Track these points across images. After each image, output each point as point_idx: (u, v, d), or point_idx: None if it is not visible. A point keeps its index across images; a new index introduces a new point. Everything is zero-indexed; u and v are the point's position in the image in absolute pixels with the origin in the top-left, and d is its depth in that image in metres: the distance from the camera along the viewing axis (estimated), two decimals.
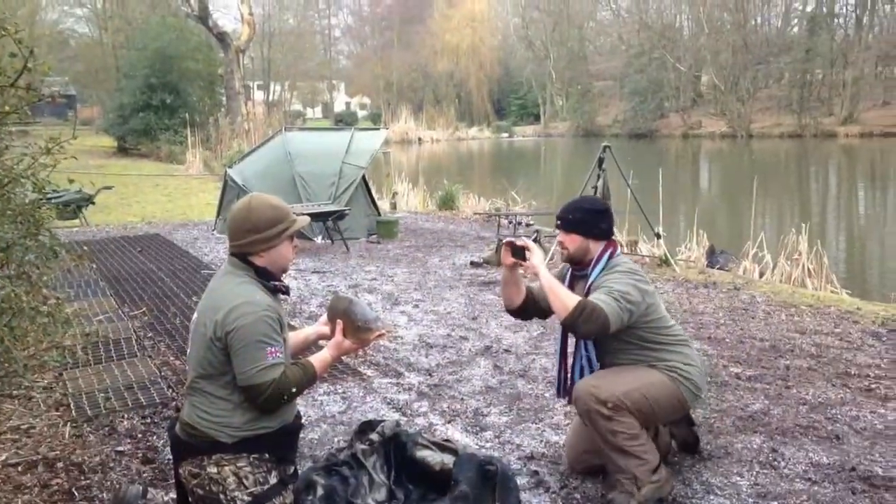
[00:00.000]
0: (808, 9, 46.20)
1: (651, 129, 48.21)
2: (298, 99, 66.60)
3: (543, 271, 3.06)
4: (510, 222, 11.07)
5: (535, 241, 9.14)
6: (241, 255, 2.64)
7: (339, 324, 2.74)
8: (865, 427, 3.88)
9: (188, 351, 2.66)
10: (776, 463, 3.49)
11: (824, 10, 43.80)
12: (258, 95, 54.98)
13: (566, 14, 58.13)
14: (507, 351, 5.38)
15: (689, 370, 3.15)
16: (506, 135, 57.14)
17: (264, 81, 59.17)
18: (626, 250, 9.51)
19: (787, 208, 19.06)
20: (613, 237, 3.24)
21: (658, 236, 8.77)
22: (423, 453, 3.19)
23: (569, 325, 2.95)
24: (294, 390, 2.58)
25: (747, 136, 41.66)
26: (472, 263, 8.70)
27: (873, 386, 4.49)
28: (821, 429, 3.87)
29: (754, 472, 3.39)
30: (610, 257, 3.16)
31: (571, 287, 3.21)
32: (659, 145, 42.95)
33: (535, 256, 3.11)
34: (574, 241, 3.19)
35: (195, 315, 2.64)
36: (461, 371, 4.96)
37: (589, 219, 3.18)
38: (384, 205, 14.53)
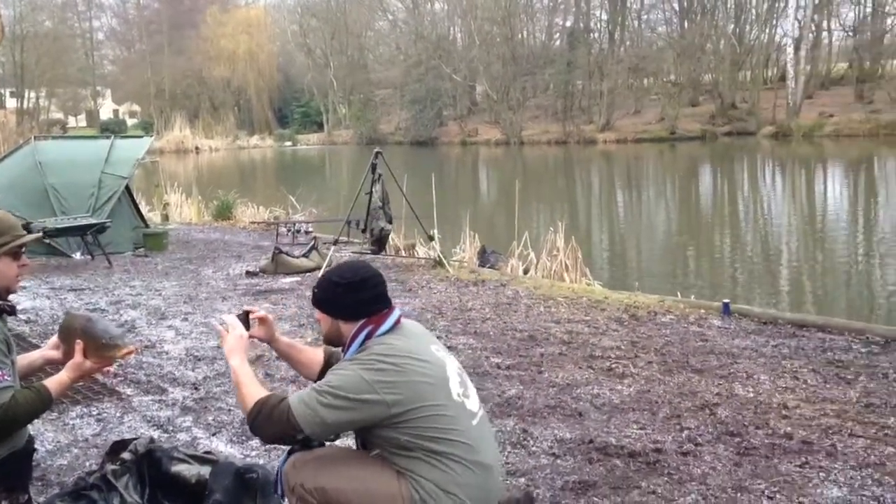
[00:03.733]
0: (568, 24, 49.91)
1: (432, 137, 49.72)
2: (59, 107, 61.57)
3: (233, 360, 2.48)
4: (289, 230, 10.96)
5: (312, 248, 9.26)
6: None
7: (79, 344, 2.58)
8: (604, 403, 4.28)
9: None
10: (526, 442, 3.76)
11: (581, 25, 47.51)
12: (10, 103, 50.10)
13: (344, 23, 58.48)
14: (279, 358, 5.33)
15: (441, 497, 2.31)
16: (289, 143, 56.41)
17: (17, 88, 54.08)
18: (403, 253, 9.77)
19: (553, 208, 20.46)
20: (378, 313, 2.46)
21: (431, 238, 9.08)
22: (178, 468, 3.10)
23: (250, 429, 2.38)
24: (26, 415, 2.42)
25: (519, 143, 44.18)
26: (248, 273, 8.52)
27: (614, 366, 4.95)
28: (566, 408, 4.21)
29: (506, 452, 3.63)
30: (367, 337, 2.42)
31: None
32: (440, 152, 44.41)
33: (228, 340, 2.56)
34: (324, 321, 2.53)
35: None
36: (230, 382, 4.85)
37: (332, 296, 2.48)
38: (155, 216, 13.82)
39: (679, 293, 7.67)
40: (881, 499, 3.05)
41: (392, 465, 2.34)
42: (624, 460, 3.51)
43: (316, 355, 2.73)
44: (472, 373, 4.85)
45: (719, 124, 40.40)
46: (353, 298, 2.45)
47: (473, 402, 2.46)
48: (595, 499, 3.16)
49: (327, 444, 2.54)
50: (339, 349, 2.55)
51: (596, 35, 48.20)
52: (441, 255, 8.90)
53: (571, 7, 48.87)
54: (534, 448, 3.69)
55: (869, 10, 40.32)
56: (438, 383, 2.36)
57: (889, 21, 37.87)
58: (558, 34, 51.67)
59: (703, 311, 6.46)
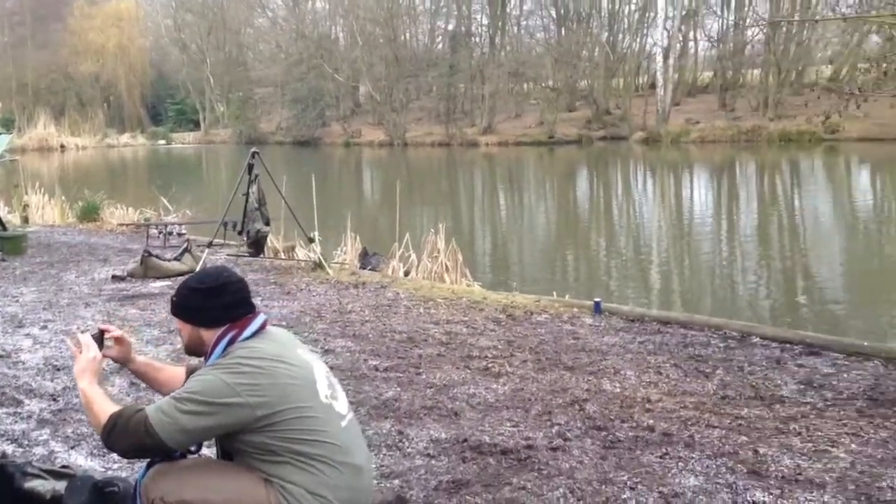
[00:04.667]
0: (450, 27, 50.43)
1: (315, 137, 49.08)
2: None
3: (82, 382, 2.37)
4: (160, 233, 10.56)
5: (185, 251, 8.94)
6: None
7: None
8: (480, 402, 4.35)
9: None
10: (401, 444, 3.76)
11: (463, 29, 48.12)
12: None
13: (221, 18, 56.82)
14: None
15: (310, 500, 2.27)
16: (163, 142, 54.32)
17: None
18: (283, 256, 9.60)
19: (436, 210, 20.62)
20: (241, 318, 2.40)
21: (311, 241, 8.96)
22: (32, 483, 2.94)
23: (105, 444, 2.29)
24: None
25: (403, 145, 44.28)
26: (115, 277, 8.14)
27: (490, 365, 5.04)
28: (443, 408, 4.25)
29: (381, 455, 3.62)
30: (230, 343, 2.35)
31: None
32: (322, 153, 43.92)
33: (80, 360, 2.43)
34: (185, 329, 2.45)
35: None
36: None
37: (191, 303, 2.41)
38: (15, 218, 13.01)
39: (555, 293, 7.90)
40: (734, 486, 3.24)
41: (258, 472, 2.29)
42: (497, 458, 3.57)
43: (177, 373, 2.63)
44: (350, 376, 4.83)
45: (595, 129, 41.83)
46: (214, 304, 2.38)
47: (342, 405, 2.45)
48: (468, 497, 3.20)
49: (189, 455, 2.45)
50: (202, 360, 2.47)
51: (477, 39, 48.95)
52: (321, 258, 8.80)
53: (453, 11, 49.40)
54: (409, 449, 3.70)
55: (731, 22, 42.74)
56: (305, 385, 2.34)
57: (749, 33, 40.30)
58: (440, 37, 52.14)
59: (576, 309, 6.66)
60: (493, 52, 46.88)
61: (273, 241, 9.62)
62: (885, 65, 7.72)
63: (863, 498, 3.10)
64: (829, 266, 12.49)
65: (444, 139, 43.83)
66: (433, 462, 3.55)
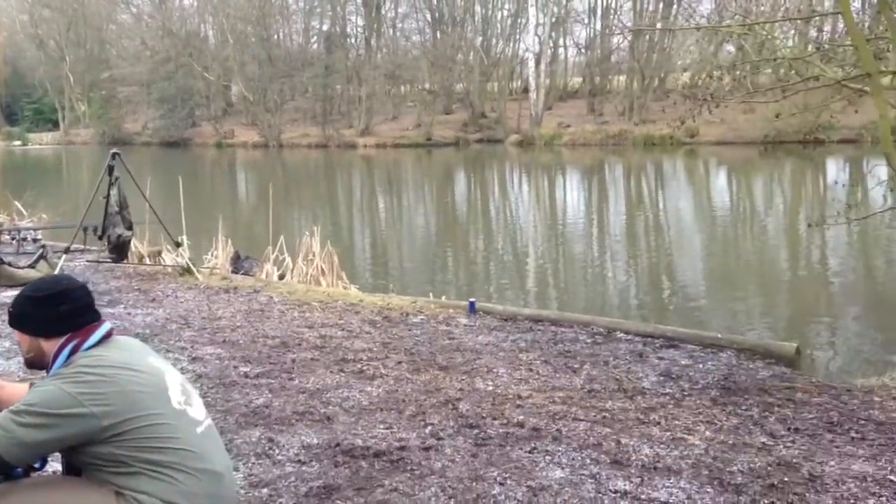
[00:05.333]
0: (325, 28, 49.93)
1: (184, 138, 47.46)
2: None
3: None
4: (13, 238, 9.91)
5: (41, 257, 8.42)
6: None
7: None
8: (353, 405, 4.31)
9: None
10: (271, 451, 3.68)
11: (338, 29, 47.75)
12: None
13: (81, 14, 54.04)
14: None
15: None
16: (18, 143, 51.18)
17: None
18: (148, 261, 9.20)
19: (315, 213, 20.35)
20: (84, 326, 2.28)
21: (178, 245, 8.64)
22: None
23: None
24: None
25: (279, 146, 43.48)
26: None
27: (365, 368, 5.01)
28: (315, 413, 4.19)
29: (250, 463, 3.53)
30: (73, 352, 2.23)
31: None
32: (193, 154, 42.51)
33: None
34: (24, 341, 2.31)
35: None
36: None
37: (29, 312, 2.28)
38: None
39: (431, 294, 7.95)
40: (597, 476, 3.35)
41: (109, 485, 2.17)
42: (369, 461, 3.55)
43: (19, 389, 2.46)
44: (219, 384, 4.69)
45: (471, 132, 42.51)
46: (53, 313, 2.26)
47: (197, 411, 2.37)
48: (339, 502, 3.17)
49: (33, 473, 2.30)
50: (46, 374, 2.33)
51: (353, 40, 48.73)
52: (190, 262, 8.50)
53: (328, 11, 48.92)
54: (279, 457, 3.62)
55: (598, 30, 44.42)
56: (155, 392, 2.24)
57: (614, 41, 42.08)
58: (315, 37, 51.54)
59: (451, 310, 6.73)
60: (369, 53, 46.79)
61: (137, 246, 9.21)
62: (737, 72, 8.22)
63: (715, 482, 3.28)
64: (691, 263, 13.18)
65: (321, 140, 43.38)
66: (304, 468, 3.49)
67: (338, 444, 3.73)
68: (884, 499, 3.09)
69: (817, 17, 11.64)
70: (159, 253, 9.43)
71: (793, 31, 9.83)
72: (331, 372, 4.94)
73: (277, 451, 3.68)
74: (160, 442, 2.19)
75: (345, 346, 5.57)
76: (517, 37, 46.16)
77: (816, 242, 13.86)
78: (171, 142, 46.73)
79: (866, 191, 13.25)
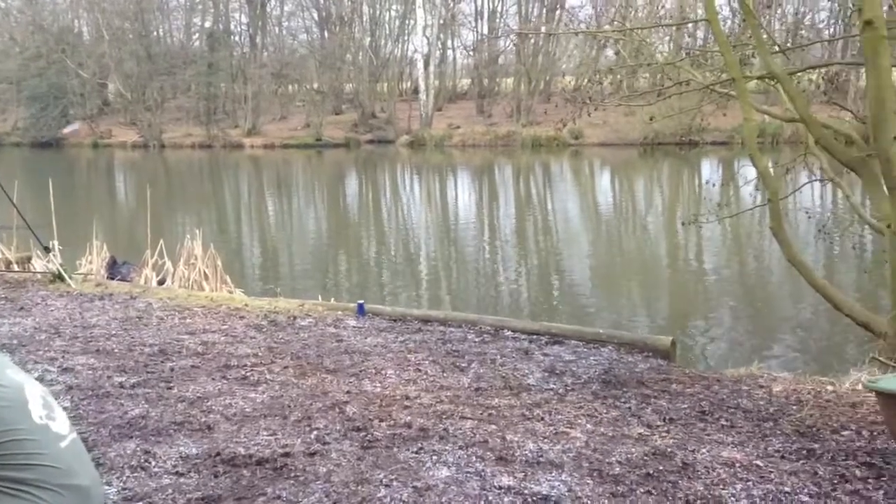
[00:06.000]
0: (207, 24, 48.48)
1: (57, 138, 45.07)
2: None
3: None
4: None
5: None
6: None
7: None
8: (236, 413, 4.19)
9: None
10: (147, 464, 3.52)
11: (221, 27, 46.48)
12: None
13: None
14: None
15: None
16: None
17: None
18: (16, 268, 8.69)
19: (200, 215, 19.74)
20: None
21: (48, 250, 8.19)
22: None
23: None
24: None
25: (160, 146, 41.93)
26: None
27: (249, 374, 4.88)
28: (195, 422, 4.04)
29: (124, 477, 3.37)
30: None
31: None
32: (67, 155, 40.45)
33: None
34: None
35: None
36: None
37: None
38: None
39: (320, 297, 7.85)
40: (482, 473, 3.38)
41: None
42: (251, 469, 3.46)
43: None
44: (92, 395, 4.46)
45: (362, 132, 42.27)
46: None
47: (61, 425, 2.23)
48: None
49: None
50: None
51: (237, 38, 47.57)
52: (61, 269, 8.06)
53: (210, 8, 47.55)
54: (156, 469, 3.47)
55: (485, 33, 45.05)
56: (15, 406, 2.09)
57: (501, 43, 42.78)
58: (197, 34, 49.99)
59: (340, 312, 6.66)
60: (254, 51, 45.79)
61: (4, 252, 8.68)
62: (614, 76, 8.52)
63: (595, 473, 3.37)
64: (577, 262, 13.57)
65: (205, 140, 42.11)
66: (182, 480, 3.36)
67: (218, 454, 3.62)
68: (750, 483, 3.25)
69: (689, 24, 12.21)
70: (28, 259, 8.92)
71: (668, 38, 10.27)
72: (212, 379, 4.78)
73: (154, 463, 3.53)
74: (21, 458, 2.05)
75: (228, 352, 5.41)
76: (406, 38, 46.30)
77: (693, 240, 14.54)
78: (43, 142, 44.30)
79: (738, 190, 13.99)
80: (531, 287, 11.81)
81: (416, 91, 43.27)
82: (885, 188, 5.02)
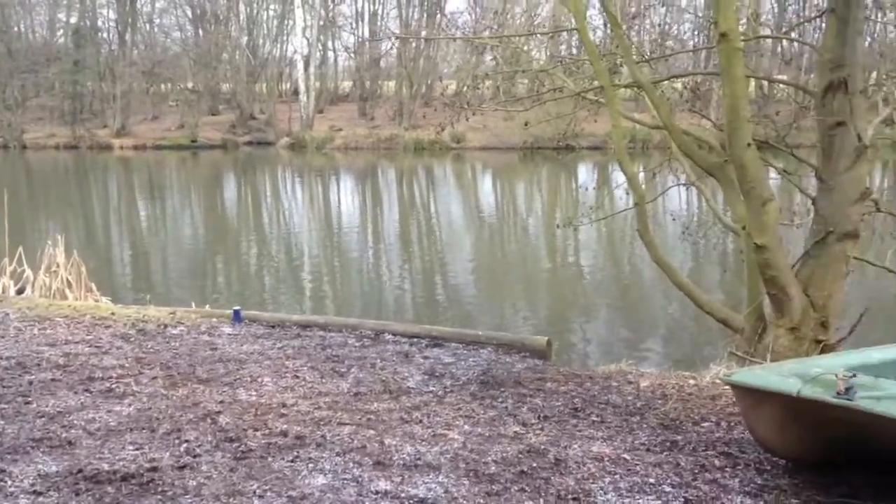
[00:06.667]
0: (73, 20, 46.00)
1: None
2: None
3: None
4: None
5: None
6: None
7: None
8: (100, 427, 3.98)
9: None
10: (2, 483, 3.30)
11: (88, 23, 44.22)
12: None
13: None
14: None
15: None
16: None
17: None
18: None
19: (66, 220, 18.71)
20: None
21: None
22: None
23: None
24: None
25: (21, 147, 39.45)
26: None
27: (114, 386, 4.65)
28: (55, 438, 3.82)
29: None
30: None
31: None
32: None
33: None
34: None
35: None
36: None
37: None
38: None
39: (194, 304, 7.58)
40: (359, 479, 3.36)
41: None
42: (116, 486, 3.30)
43: None
44: None
45: (240, 134, 41.16)
46: None
47: None
48: None
49: None
50: None
51: (105, 35, 45.40)
52: None
53: (75, 3, 45.14)
54: (11, 489, 3.26)
55: (365, 35, 44.81)
56: None
57: (383, 46, 42.72)
58: (62, 31, 47.34)
59: (215, 319, 6.46)
60: (123, 49, 43.76)
61: None
62: (489, 82, 8.68)
63: (471, 474, 3.41)
64: (460, 265, 13.73)
65: (70, 141, 39.89)
66: (41, 499, 3.17)
67: (80, 471, 3.43)
68: (618, 476, 3.38)
69: (565, 34, 12.57)
70: None
71: (545, 46, 10.55)
72: (74, 393, 4.53)
73: (10, 483, 3.30)
74: None
75: (92, 363, 5.14)
76: (285, 38, 45.46)
77: (571, 242, 14.99)
78: None
79: (612, 193, 14.53)
80: (415, 290, 11.87)
81: (296, 92, 42.55)
82: (740, 192, 5.34)
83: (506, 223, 19.12)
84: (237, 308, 6.54)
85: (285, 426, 3.98)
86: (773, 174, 7.16)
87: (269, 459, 3.57)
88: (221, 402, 4.38)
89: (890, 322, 8.84)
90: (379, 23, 44.66)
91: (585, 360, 8.10)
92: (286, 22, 44.35)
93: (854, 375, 2.97)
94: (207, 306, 7.41)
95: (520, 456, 3.59)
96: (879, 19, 10.93)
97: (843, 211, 5.32)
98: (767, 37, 11.39)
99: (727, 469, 3.45)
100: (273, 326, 6.26)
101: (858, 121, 5.21)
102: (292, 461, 3.54)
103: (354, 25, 45.76)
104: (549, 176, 28.97)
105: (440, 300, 11.24)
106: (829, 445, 3.31)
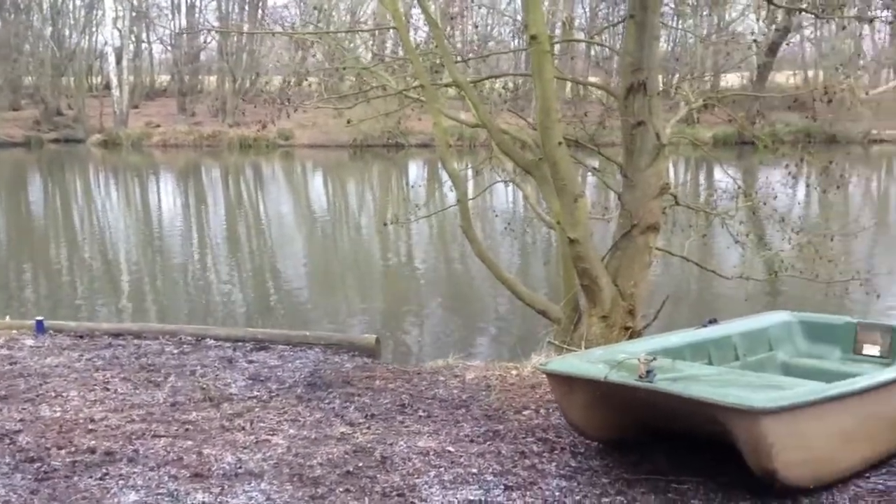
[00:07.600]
0: None
1: None
2: None
3: None
4: None
5: None
6: None
7: None
8: None
9: None
10: None
11: None
12: None
13: None
14: None
15: None
16: None
17: None
18: None
19: None
20: None
21: None
22: None
23: None
24: None
25: None
26: None
27: None
28: None
29: None
30: None
31: None
32: None
33: None
34: None
35: None
36: None
37: None
38: None
39: None
40: (175, 493, 3.20)
41: None
42: None
43: None
44: None
45: (45, 130, 38.18)
46: None
47: None
48: None
49: None
50: None
51: None
52: None
53: None
54: None
55: (183, 27, 42.83)
56: None
57: (202, 39, 41.03)
58: None
59: (15, 331, 5.97)
60: None
61: None
62: (314, 79, 8.55)
63: (295, 478, 3.34)
64: (291, 265, 13.45)
65: None
66: None
67: None
68: (442, 469, 3.44)
69: (391, 32, 12.64)
70: None
71: (371, 44, 10.53)
72: None
73: None
74: None
75: None
76: (94, 29, 42.60)
77: (403, 239, 15.11)
78: None
79: (441, 189, 14.79)
80: (245, 293, 11.51)
81: (107, 87, 39.98)
82: (554, 189, 5.59)
83: (337, 222, 18.97)
84: (39, 318, 6.07)
85: (93, 442, 3.73)
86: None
87: (75, 479, 3.33)
88: (21, 420, 4.05)
89: (690, 308, 9.57)
90: (197, 15, 42.90)
91: (415, 356, 8.18)
92: (95, 12, 41.59)
93: (654, 359, 3.18)
94: (7, 317, 6.81)
95: (346, 456, 3.57)
96: (679, 26, 11.82)
97: (646, 205, 5.70)
98: (576, 40, 11.99)
99: (545, 454, 3.60)
100: (81, 336, 5.87)
101: (657, 120, 5.60)
102: (101, 479, 3.32)
103: (171, 17, 43.66)
104: (380, 174, 29.07)
105: (270, 302, 10.97)
106: (635, 426, 3.54)
